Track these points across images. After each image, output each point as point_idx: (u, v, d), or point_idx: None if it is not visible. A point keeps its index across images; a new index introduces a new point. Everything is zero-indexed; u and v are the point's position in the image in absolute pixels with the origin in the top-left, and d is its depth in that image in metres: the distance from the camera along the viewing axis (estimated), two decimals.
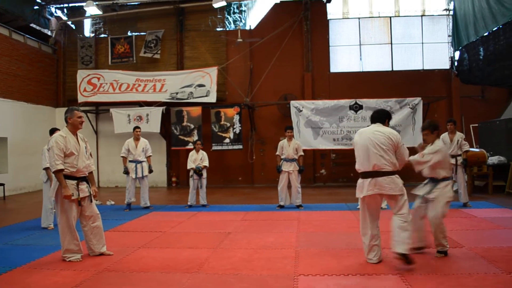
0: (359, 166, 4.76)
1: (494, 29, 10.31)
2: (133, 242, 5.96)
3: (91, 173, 5.22)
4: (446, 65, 13.91)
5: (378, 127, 4.71)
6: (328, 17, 14.53)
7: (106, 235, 5.47)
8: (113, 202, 10.11)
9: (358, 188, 4.78)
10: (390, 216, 4.71)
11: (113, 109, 13.59)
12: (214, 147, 13.36)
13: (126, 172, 9.17)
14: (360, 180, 4.75)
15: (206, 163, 9.48)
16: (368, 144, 4.60)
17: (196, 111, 13.53)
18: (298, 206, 8.91)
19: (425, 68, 14.25)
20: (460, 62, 12.73)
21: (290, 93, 14.12)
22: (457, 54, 12.94)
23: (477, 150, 10.61)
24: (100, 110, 14.64)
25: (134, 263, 4.88)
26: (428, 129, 5.09)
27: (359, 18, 14.48)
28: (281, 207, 8.98)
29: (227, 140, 13.45)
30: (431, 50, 14.28)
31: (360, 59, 14.49)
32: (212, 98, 13.40)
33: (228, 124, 13.44)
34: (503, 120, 11.59)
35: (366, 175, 4.65)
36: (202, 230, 6.78)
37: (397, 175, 4.59)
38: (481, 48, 11.10)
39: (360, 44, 14.51)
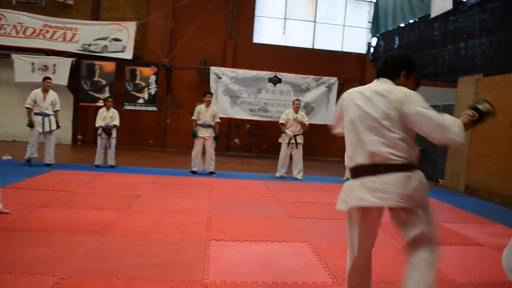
0: (347, 159, 2.64)
1: (410, 21, 10.95)
2: (33, 200, 5.50)
3: None
4: (363, 50, 14.53)
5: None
6: None
7: (2, 191, 4.95)
8: (10, 157, 9.23)
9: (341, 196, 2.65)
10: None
11: (15, 54, 12.25)
12: (127, 107, 12.77)
13: (31, 125, 8.38)
14: (347, 183, 2.63)
15: (116, 122, 9.02)
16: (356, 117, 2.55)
17: (110, 66, 12.75)
18: (211, 173, 8.89)
19: (343, 50, 14.76)
20: (376, 48, 13.38)
21: (210, 58, 13.85)
22: (374, 41, 13.56)
23: None
24: None
25: (35, 223, 4.51)
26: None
27: None
28: (194, 172, 8.90)
29: (141, 101, 12.91)
30: (351, 33, 14.82)
31: (284, 33, 14.60)
32: (128, 55, 12.63)
33: (143, 84, 12.89)
34: None
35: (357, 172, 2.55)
36: (110, 192, 6.48)
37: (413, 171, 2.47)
38: (397, 38, 11.76)
39: (285, 18, 14.59)
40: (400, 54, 2.67)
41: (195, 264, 3.61)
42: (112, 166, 8.94)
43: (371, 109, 2.45)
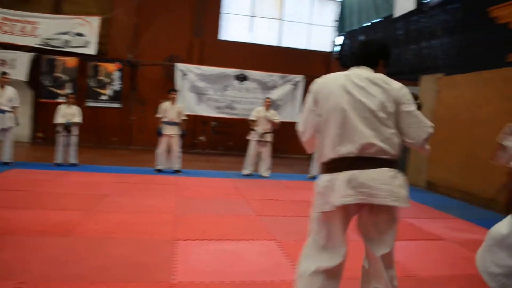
0: (327, 150, 2.36)
1: (375, 21, 11.17)
2: None
3: None
4: (329, 48, 14.69)
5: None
6: None
7: None
8: None
9: (321, 194, 2.35)
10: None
11: None
12: (89, 103, 12.41)
13: None
14: (325, 177, 2.37)
15: (78, 119, 8.76)
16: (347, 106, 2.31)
17: (72, 62, 12.34)
18: (177, 171, 8.78)
19: (309, 48, 14.88)
20: (341, 47, 13.57)
21: (176, 54, 13.65)
22: (339, 39, 13.73)
23: None
24: None
25: None
26: None
27: None
28: (159, 171, 8.76)
29: (104, 97, 12.59)
30: (317, 32, 14.95)
31: (250, 30, 14.57)
32: (91, 50, 12.28)
33: (107, 80, 12.57)
34: None
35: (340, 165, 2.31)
36: (73, 191, 6.27)
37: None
38: (361, 37, 11.96)
39: (252, 16, 14.56)
40: (383, 42, 2.57)
41: (162, 264, 3.55)
42: (73, 165, 8.68)
43: (366, 99, 2.26)
